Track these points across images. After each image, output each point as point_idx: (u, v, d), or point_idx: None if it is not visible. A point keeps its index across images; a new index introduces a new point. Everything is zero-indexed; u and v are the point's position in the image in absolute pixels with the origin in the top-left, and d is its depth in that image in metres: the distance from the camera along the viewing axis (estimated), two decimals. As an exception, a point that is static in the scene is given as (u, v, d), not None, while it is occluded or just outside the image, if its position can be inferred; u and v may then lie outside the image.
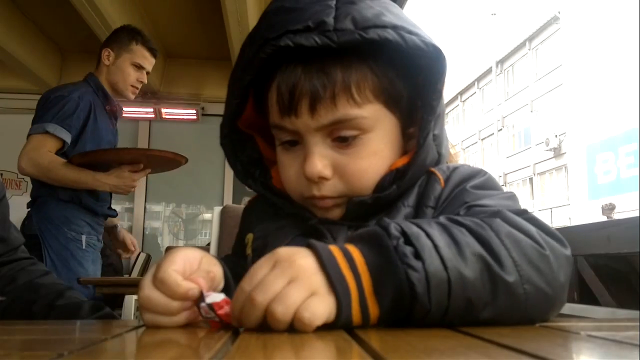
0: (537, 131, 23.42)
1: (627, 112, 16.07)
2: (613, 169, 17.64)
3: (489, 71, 27.41)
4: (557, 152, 21.70)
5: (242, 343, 0.43)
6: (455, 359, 0.37)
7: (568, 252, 0.55)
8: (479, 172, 0.70)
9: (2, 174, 5.08)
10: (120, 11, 3.71)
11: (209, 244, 4.30)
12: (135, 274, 4.47)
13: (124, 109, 5.05)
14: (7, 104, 5.13)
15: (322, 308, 0.47)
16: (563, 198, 21.41)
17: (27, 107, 5.17)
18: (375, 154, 0.67)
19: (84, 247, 2.21)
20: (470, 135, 29.39)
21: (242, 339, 0.45)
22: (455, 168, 0.70)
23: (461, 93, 30.35)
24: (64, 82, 5.19)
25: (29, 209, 2.33)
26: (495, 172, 26.19)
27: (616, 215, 10.06)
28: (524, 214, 0.56)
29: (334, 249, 0.50)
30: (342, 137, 0.66)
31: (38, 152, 2.13)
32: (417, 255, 0.48)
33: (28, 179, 5.39)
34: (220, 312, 0.51)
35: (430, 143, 0.67)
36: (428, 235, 0.50)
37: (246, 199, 3.70)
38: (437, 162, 0.70)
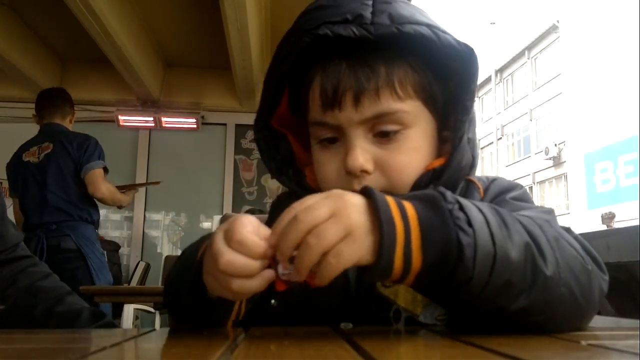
0: (536, 140, 23.46)
1: (626, 120, 16.10)
2: (612, 178, 17.65)
3: (488, 80, 27.48)
4: (557, 161, 21.72)
5: (241, 352, 0.43)
6: (455, 368, 0.37)
7: (606, 277, 0.56)
8: (516, 185, 0.72)
9: (1, 183, 5.08)
10: (121, 20, 3.73)
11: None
12: (134, 283, 4.45)
13: (124, 117, 5.08)
14: (7, 113, 5.13)
15: (353, 251, 0.47)
16: (563, 207, 21.40)
17: (27, 116, 5.19)
18: (416, 150, 0.68)
19: (105, 258, 3.06)
20: (469, 144, 29.37)
21: (241, 348, 0.45)
22: (494, 179, 0.72)
23: (460, 102, 30.36)
24: (64, 91, 5.21)
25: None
26: (494, 180, 26.15)
27: (616, 224, 10.06)
28: (569, 230, 0.58)
29: (388, 197, 0.50)
30: (383, 131, 0.66)
31: (106, 182, 2.89)
32: (469, 224, 0.49)
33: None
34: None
35: (465, 145, 0.68)
36: (480, 211, 0.51)
37: (246, 207, 3.69)
38: (472, 165, 0.71)
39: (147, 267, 4.57)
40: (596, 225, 12.82)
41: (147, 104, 5.07)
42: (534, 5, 26.32)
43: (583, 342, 0.47)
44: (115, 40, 3.72)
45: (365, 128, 0.67)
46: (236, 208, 5.00)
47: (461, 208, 0.50)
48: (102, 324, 0.85)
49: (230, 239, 0.51)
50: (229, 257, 0.51)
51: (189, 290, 0.60)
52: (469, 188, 0.71)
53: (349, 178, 0.67)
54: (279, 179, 0.76)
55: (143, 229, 5.14)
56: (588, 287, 0.53)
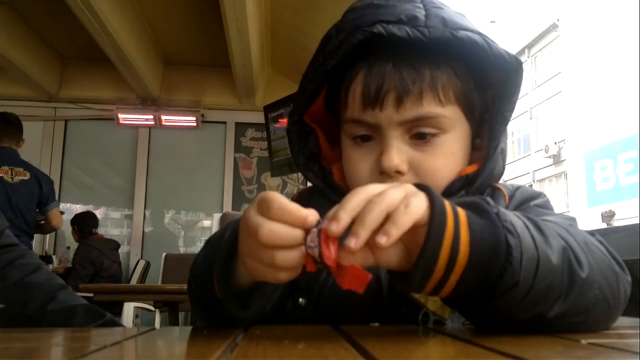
0: (536, 138, 23.47)
1: (626, 119, 16.10)
2: (612, 176, 17.65)
3: (488, 78, 27.48)
4: (557, 159, 21.72)
5: (240, 351, 0.43)
6: (455, 367, 0.37)
7: (629, 279, 0.57)
8: (540, 194, 0.73)
9: None
10: (121, 19, 3.73)
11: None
12: (134, 281, 4.45)
13: (124, 115, 5.08)
14: (8, 111, 5.13)
15: (420, 204, 0.46)
16: (563, 205, 21.41)
17: (28, 114, 5.18)
18: (452, 155, 0.68)
19: None
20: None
21: (241, 347, 0.45)
22: (519, 187, 0.73)
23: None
24: (65, 89, 5.21)
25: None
26: (494, 179, 26.17)
27: (616, 223, 10.06)
28: (594, 234, 0.58)
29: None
30: (421, 134, 0.67)
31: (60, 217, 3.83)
32: (513, 227, 0.48)
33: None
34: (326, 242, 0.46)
35: (498, 154, 0.69)
36: (519, 217, 0.51)
37: (245, 206, 3.72)
38: (501, 175, 0.72)
39: (147, 266, 4.57)
40: (596, 223, 12.82)
41: (146, 102, 5.07)
42: (534, 4, 26.27)
43: (583, 341, 0.47)
44: (115, 39, 3.71)
45: (404, 129, 0.67)
46: (236, 206, 5.01)
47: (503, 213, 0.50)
48: (103, 322, 0.85)
49: (269, 208, 0.48)
50: (271, 226, 0.47)
51: (220, 277, 0.57)
52: (494, 194, 0.71)
53: (382, 177, 0.67)
54: (305, 174, 0.76)
55: (143, 227, 5.14)
56: (617, 289, 0.54)
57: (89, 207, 5.24)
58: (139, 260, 4.70)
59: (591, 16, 18.56)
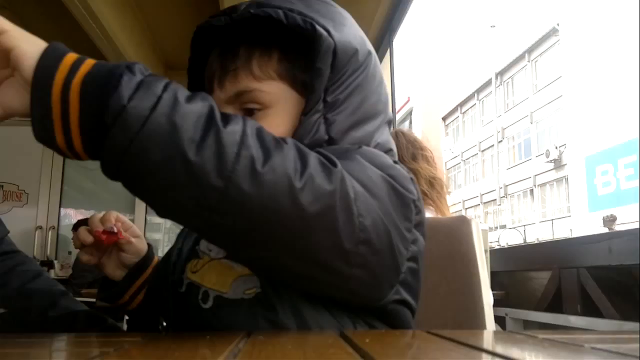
0: (537, 143, 23.47)
1: (626, 123, 16.11)
2: (612, 180, 17.64)
3: (488, 83, 27.52)
4: (558, 164, 21.73)
5: (244, 356, 0.43)
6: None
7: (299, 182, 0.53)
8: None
9: (2, 186, 5.09)
10: (122, 23, 3.74)
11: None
12: (135, 286, 4.45)
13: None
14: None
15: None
16: (564, 210, 21.39)
17: (27, 119, 5.18)
18: (277, 127, 0.69)
19: None
20: (470, 147, 29.46)
21: (244, 351, 0.45)
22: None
23: (461, 105, 30.48)
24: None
25: None
26: (496, 184, 26.20)
27: (617, 227, 10.05)
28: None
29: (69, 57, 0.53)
30: (248, 110, 0.71)
31: None
32: (147, 75, 0.52)
33: (29, 190, 5.40)
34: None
35: (313, 122, 0.68)
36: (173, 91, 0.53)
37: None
38: (329, 144, 0.70)
39: (148, 270, 4.57)
40: (598, 227, 12.81)
41: (148, 107, 5.07)
42: (534, 9, 26.34)
43: (586, 346, 0.47)
44: (116, 44, 3.72)
45: (234, 107, 0.72)
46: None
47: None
48: (104, 328, 0.85)
49: None
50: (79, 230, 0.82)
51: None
52: None
53: None
54: None
55: (144, 232, 5.14)
56: (268, 164, 0.52)
57: (91, 212, 5.22)
58: (139, 265, 4.70)
59: (591, 21, 18.59)
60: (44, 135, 0.51)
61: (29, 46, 0.53)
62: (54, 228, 5.20)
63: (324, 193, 0.54)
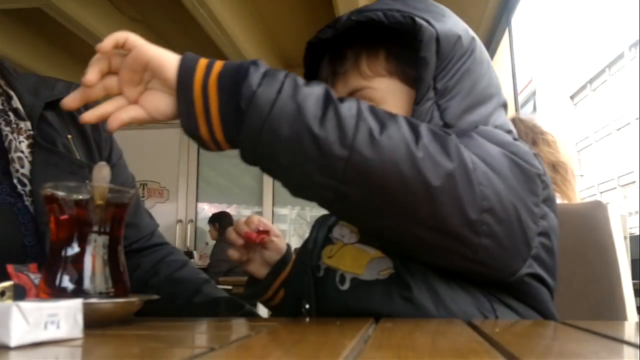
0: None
1: None
2: None
3: (621, 56, 24.95)
4: None
5: (374, 342, 0.45)
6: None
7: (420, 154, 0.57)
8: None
9: (146, 184, 5.61)
10: (243, 27, 3.94)
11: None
12: (265, 274, 4.69)
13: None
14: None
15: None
16: None
17: (165, 122, 5.65)
18: None
19: None
20: (604, 127, 26.96)
21: (374, 337, 0.47)
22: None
23: (590, 81, 27.92)
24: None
25: None
26: (635, 164, 23.80)
27: None
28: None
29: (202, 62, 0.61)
30: None
31: None
32: (268, 70, 0.59)
33: (170, 188, 5.89)
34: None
35: (426, 110, 0.71)
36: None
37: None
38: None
39: (277, 260, 4.79)
40: None
41: (270, 105, 5.30)
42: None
43: None
44: (238, 47, 3.94)
45: None
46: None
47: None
48: (243, 313, 0.91)
49: None
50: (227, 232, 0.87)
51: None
52: None
53: None
54: None
55: (272, 224, 5.39)
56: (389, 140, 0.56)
57: (223, 206, 5.60)
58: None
59: None
60: (189, 129, 0.59)
61: (163, 57, 0.62)
62: (192, 221, 5.64)
63: (441, 161, 0.57)
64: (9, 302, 0.44)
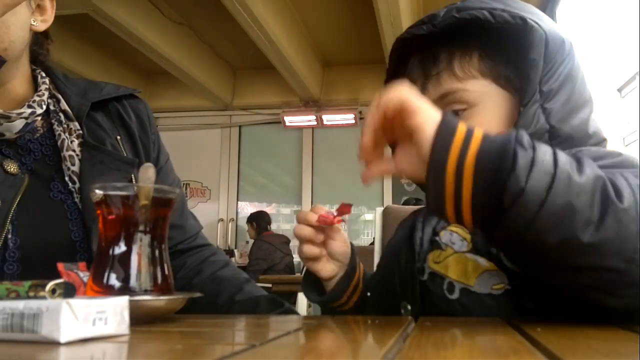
0: None
1: None
2: None
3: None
4: None
5: (413, 340, 0.45)
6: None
7: None
8: (607, 154, 0.65)
9: (189, 184, 5.73)
10: (282, 28, 3.97)
11: (371, 243, 4.38)
12: (305, 273, 4.72)
13: (289, 118, 5.41)
14: (191, 121, 5.77)
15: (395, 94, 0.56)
16: None
17: (206, 123, 5.76)
18: (481, 125, 0.68)
19: None
20: None
21: (413, 336, 0.47)
22: (579, 151, 0.66)
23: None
24: (237, 98, 5.72)
25: None
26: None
27: None
28: None
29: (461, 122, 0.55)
30: (453, 111, 0.73)
31: None
32: (533, 146, 0.50)
33: (212, 187, 6.00)
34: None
35: (532, 113, 0.69)
36: (552, 148, 0.51)
37: (404, 198, 3.77)
38: (552, 136, 0.70)
39: (316, 258, 4.81)
40: None
41: (308, 104, 5.33)
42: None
43: None
44: (278, 47, 3.97)
45: (439, 109, 0.71)
46: (396, 199, 5.03)
47: (529, 142, 0.51)
48: (282, 311, 0.92)
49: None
50: (296, 227, 0.77)
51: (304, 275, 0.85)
52: None
53: None
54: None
55: (311, 222, 5.42)
56: None
57: (263, 205, 5.66)
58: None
59: None
60: (436, 207, 0.53)
61: (426, 115, 0.55)
62: (233, 220, 5.72)
63: None
64: (59, 300, 0.45)
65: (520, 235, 0.49)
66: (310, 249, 0.77)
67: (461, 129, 0.52)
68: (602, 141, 0.74)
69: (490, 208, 0.50)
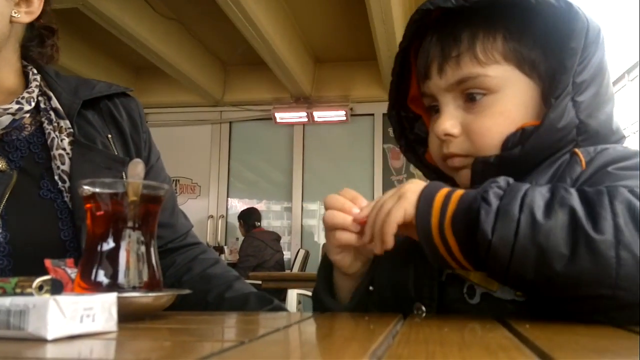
0: None
1: None
2: None
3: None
4: None
5: (402, 337, 0.45)
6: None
7: None
8: (633, 154, 0.64)
9: (179, 180, 5.71)
10: (274, 24, 3.95)
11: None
12: (296, 269, 4.72)
13: (280, 114, 5.40)
14: (181, 117, 5.74)
15: (399, 208, 0.59)
16: None
17: (196, 119, 5.74)
18: (501, 114, 0.69)
19: None
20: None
21: (402, 333, 0.47)
22: (605, 149, 0.65)
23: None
24: (228, 94, 5.69)
25: None
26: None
27: None
28: None
29: (443, 187, 0.59)
30: (471, 96, 0.70)
31: None
32: (501, 197, 0.53)
33: (202, 183, 5.98)
34: None
35: (564, 106, 0.65)
36: (527, 188, 0.54)
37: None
38: (579, 131, 0.66)
39: (307, 255, 4.82)
40: None
41: (299, 100, 5.32)
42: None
43: None
44: (269, 43, 3.96)
45: (455, 95, 0.71)
46: (388, 196, 5.04)
47: (503, 187, 0.55)
48: (271, 308, 0.93)
49: (328, 201, 0.70)
50: (328, 212, 0.69)
51: (319, 272, 0.79)
52: (570, 162, 0.65)
53: (440, 143, 0.72)
54: (405, 155, 0.84)
55: (301, 219, 5.42)
56: None
57: (253, 202, 5.65)
58: (299, 250, 4.98)
59: None
60: (437, 263, 0.59)
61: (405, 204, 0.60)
62: (223, 217, 5.71)
63: None
64: (46, 296, 0.45)
65: (505, 275, 0.53)
66: (347, 235, 0.67)
67: (441, 194, 0.58)
68: (622, 138, 0.71)
69: (477, 261, 0.55)
